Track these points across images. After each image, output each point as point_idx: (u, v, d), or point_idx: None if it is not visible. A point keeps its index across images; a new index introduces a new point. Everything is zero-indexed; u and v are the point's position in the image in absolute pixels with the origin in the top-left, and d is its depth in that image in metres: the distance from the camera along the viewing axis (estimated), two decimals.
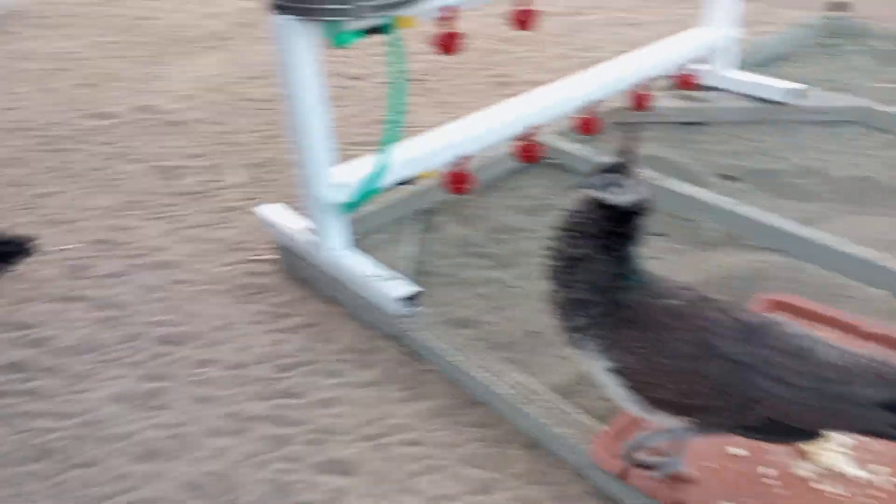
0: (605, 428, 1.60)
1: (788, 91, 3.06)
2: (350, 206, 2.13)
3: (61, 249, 2.50)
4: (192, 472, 1.69)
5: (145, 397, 1.90)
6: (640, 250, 1.34)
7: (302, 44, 1.88)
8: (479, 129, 2.39)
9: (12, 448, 1.77)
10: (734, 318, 1.30)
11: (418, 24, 1.96)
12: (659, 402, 1.32)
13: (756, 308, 1.79)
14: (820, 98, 3.11)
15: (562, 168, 2.79)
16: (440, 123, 2.41)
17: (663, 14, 4.39)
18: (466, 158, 2.35)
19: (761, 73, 3.27)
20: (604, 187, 1.29)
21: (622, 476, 1.52)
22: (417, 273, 2.24)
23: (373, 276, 2.07)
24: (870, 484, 1.48)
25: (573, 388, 1.82)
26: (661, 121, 3.07)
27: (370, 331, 2.09)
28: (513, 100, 2.57)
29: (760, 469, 1.51)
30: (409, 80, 2.05)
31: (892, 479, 1.49)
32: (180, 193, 2.84)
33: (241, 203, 2.74)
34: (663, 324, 1.29)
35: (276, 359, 2.02)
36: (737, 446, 1.55)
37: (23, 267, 2.37)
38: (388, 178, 2.14)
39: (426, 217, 2.55)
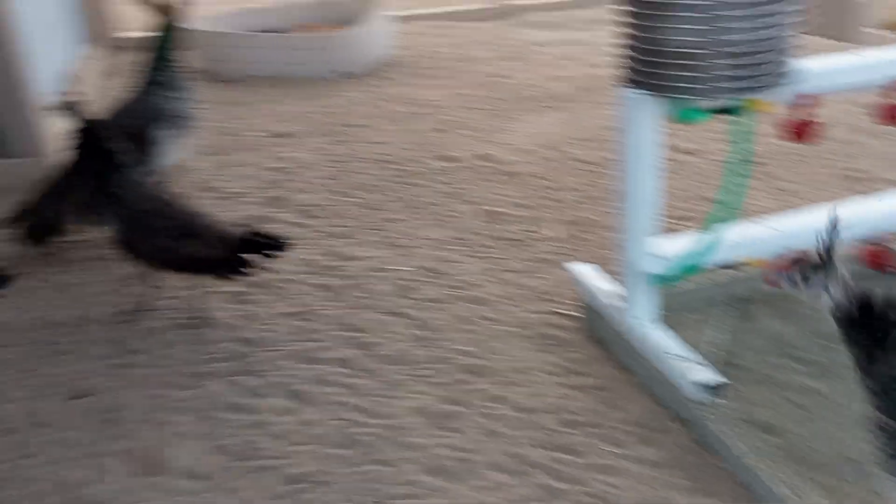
0: None
1: None
2: (665, 280, 2.11)
3: (395, 269, 2.83)
4: (471, 497, 1.80)
5: (442, 417, 2.07)
6: None
7: (645, 116, 1.93)
8: (821, 223, 2.22)
9: (328, 431, 2.04)
10: None
11: (773, 109, 1.90)
12: None
13: None
14: None
15: None
16: (775, 211, 2.29)
17: None
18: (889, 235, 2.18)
19: None
20: None
21: None
22: (723, 363, 2.14)
23: (675, 354, 2.03)
24: None
25: None
26: None
27: (661, 408, 2.04)
28: (865, 198, 2.35)
29: None
30: (752, 163, 1.99)
31: None
32: (501, 238, 3.04)
33: (554, 256, 2.86)
34: None
35: (564, 413, 2.06)
36: None
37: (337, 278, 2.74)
38: (711, 259, 2.08)
39: (742, 306, 2.42)
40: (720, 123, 1.92)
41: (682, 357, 2.01)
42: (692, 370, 1.96)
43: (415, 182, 3.59)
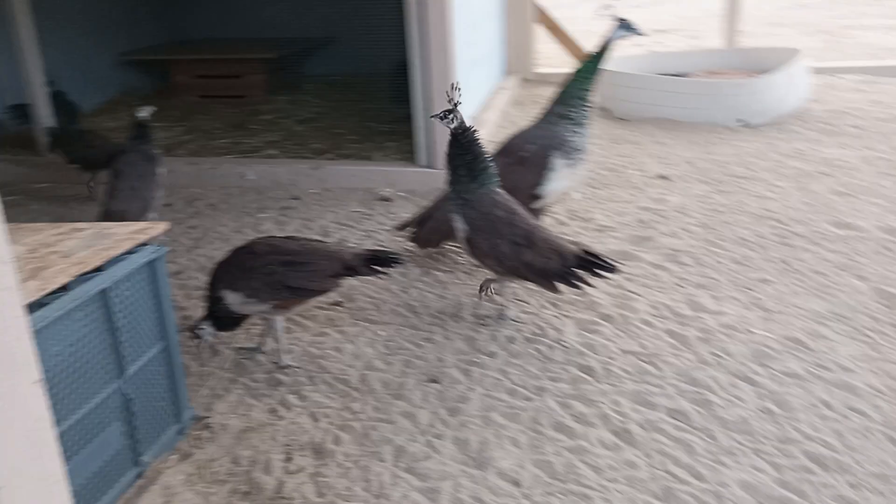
0: None
1: None
2: None
3: (756, 333, 2.62)
4: None
5: (774, 501, 1.86)
6: None
7: None
8: None
9: (647, 477, 1.98)
10: None
11: None
12: None
13: None
14: None
15: None
16: None
17: None
18: None
19: None
20: None
21: None
22: None
23: None
24: None
25: None
26: None
27: None
28: None
29: None
30: None
31: None
32: None
33: None
34: None
35: None
36: None
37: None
38: None
39: None
40: None
41: None
42: None
43: (799, 245, 3.29)
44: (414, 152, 4.28)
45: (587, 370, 2.46)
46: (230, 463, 2.11)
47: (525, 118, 3.86)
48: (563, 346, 2.60)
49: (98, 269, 1.90)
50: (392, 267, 2.52)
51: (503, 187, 2.72)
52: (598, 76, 3.12)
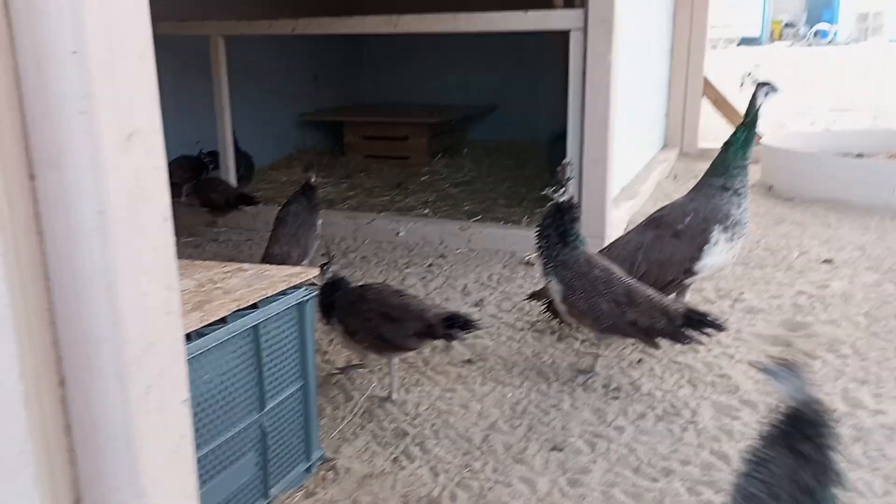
0: None
1: None
2: None
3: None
4: None
5: None
6: None
7: None
8: None
9: None
10: None
11: None
12: None
13: None
14: None
15: None
16: None
17: None
18: None
19: None
20: None
21: None
22: None
23: None
24: None
25: None
26: None
27: None
28: None
29: None
30: None
31: None
32: None
33: None
34: None
35: None
36: None
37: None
38: None
39: None
40: None
41: None
42: None
43: None
44: None
45: (721, 456, 2.33)
46: None
47: (679, 192, 3.78)
48: (698, 427, 2.48)
49: (254, 307, 2.08)
50: (469, 331, 2.56)
51: (653, 261, 2.69)
52: (754, 145, 3.04)
